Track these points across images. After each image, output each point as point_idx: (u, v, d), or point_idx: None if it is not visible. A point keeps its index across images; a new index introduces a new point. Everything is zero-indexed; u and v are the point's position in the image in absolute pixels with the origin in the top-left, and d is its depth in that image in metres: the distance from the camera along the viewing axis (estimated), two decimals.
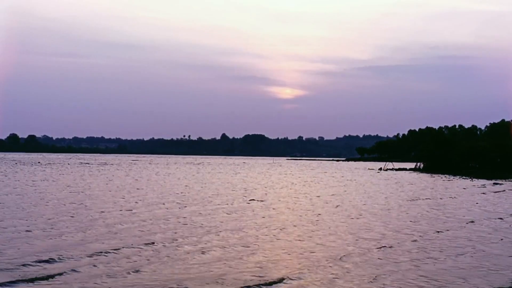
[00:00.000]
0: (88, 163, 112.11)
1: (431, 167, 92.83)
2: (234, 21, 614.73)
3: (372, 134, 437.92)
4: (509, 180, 64.03)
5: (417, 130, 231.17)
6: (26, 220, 20.51)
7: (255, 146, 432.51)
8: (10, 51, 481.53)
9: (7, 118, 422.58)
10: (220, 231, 18.78)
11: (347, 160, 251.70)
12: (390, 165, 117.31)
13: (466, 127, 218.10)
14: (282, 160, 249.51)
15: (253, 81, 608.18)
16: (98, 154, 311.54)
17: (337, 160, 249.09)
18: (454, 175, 76.95)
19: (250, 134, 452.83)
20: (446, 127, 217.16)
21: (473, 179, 64.82)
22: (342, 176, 72.50)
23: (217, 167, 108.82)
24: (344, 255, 14.76)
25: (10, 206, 25.29)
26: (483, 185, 53.06)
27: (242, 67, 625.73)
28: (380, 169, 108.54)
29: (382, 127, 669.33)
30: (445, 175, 76.06)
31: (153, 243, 16.04)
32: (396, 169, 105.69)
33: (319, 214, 25.10)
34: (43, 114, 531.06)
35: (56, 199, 29.56)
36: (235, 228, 19.64)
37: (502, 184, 55.00)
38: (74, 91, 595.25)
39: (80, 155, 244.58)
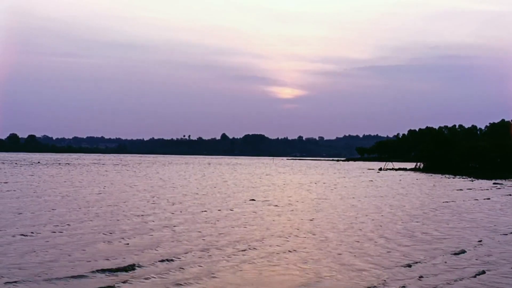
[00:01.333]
0: (103, 163, 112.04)
1: (431, 167, 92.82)
2: (234, 21, 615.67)
3: (372, 134, 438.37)
4: (509, 180, 64.03)
5: (417, 130, 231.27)
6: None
7: (255, 146, 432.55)
8: (10, 51, 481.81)
9: (7, 118, 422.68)
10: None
11: (347, 160, 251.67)
12: (390, 165, 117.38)
13: (466, 127, 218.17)
14: (283, 160, 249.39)
15: (253, 81, 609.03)
16: (98, 154, 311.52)
17: (337, 160, 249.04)
18: (454, 175, 76.92)
19: (250, 134, 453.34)
20: (446, 127, 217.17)
21: (473, 179, 64.81)
22: (344, 177, 72.41)
23: (240, 167, 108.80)
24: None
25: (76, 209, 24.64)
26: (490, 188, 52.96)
27: (242, 67, 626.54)
28: (380, 169, 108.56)
29: (382, 127, 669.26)
30: (445, 175, 76.03)
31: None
32: (396, 169, 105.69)
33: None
34: (43, 114, 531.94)
35: (135, 207, 26.58)
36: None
37: (502, 184, 55.02)
38: (74, 91, 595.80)
39: (90, 155, 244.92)
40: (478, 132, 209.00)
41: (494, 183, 55.66)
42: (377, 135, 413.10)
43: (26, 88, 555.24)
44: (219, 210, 26.01)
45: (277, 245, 16.19)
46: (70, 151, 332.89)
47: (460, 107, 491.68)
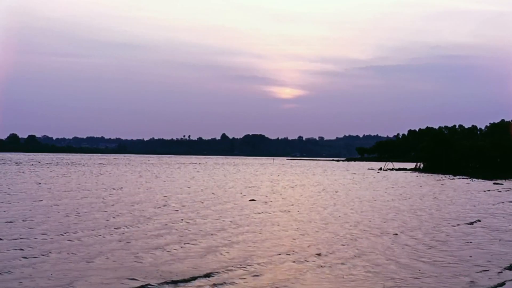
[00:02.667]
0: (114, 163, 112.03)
1: (431, 167, 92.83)
2: (234, 21, 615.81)
3: (372, 134, 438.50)
4: (509, 180, 64.05)
5: (417, 130, 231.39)
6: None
7: (255, 146, 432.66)
8: (10, 51, 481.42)
9: (7, 118, 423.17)
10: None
11: (347, 160, 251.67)
12: (390, 165, 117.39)
13: (466, 127, 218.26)
14: (283, 160, 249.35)
15: (253, 81, 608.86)
16: (98, 154, 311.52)
17: (337, 160, 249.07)
18: (454, 175, 76.94)
19: (250, 134, 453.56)
20: (446, 127, 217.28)
21: (473, 179, 64.83)
22: (348, 177, 72.35)
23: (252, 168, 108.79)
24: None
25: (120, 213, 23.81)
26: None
27: (242, 67, 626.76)
28: (380, 169, 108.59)
29: (382, 127, 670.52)
30: (445, 175, 76.05)
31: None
32: (396, 169, 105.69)
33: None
34: (43, 114, 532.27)
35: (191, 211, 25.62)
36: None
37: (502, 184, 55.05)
38: (74, 91, 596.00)
39: (93, 155, 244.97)
40: (478, 132, 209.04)
41: (494, 183, 55.69)
42: (377, 135, 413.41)
43: (26, 88, 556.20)
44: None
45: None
46: (70, 151, 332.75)
47: (460, 107, 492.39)
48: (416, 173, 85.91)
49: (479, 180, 63.19)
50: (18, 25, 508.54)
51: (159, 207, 26.36)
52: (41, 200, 28.35)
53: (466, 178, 67.26)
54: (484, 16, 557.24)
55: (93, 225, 19.45)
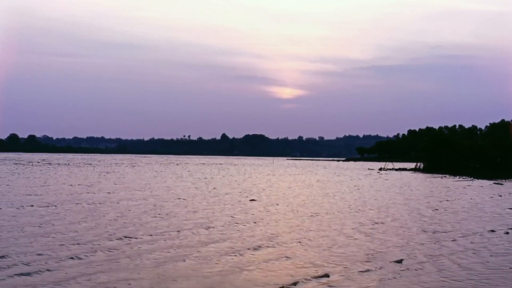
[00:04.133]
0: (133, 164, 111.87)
1: (431, 167, 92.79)
2: (234, 21, 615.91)
3: (372, 134, 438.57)
4: (510, 180, 64.02)
5: (417, 130, 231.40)
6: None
7: (255, 146, 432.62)
8: (10, 51, 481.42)
9: (7, 118, 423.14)
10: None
11: (347, 160, 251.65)
12: (390, 165, 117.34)
13: (466, 127, 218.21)
14: (283, 160, 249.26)
15: (253, 81, 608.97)
16: (99, 154, 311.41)
17: (337, 160, 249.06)
18: (454, 175, 76.91)
19: (250, 134, 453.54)
20: (446, 127, 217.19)
21: (473, 179, 64.80)
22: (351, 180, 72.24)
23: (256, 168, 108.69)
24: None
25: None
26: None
27: (242, 67, 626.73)
28: (381, 169, 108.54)
29: (382, 127, 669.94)
30: (445, 175, 76.03)
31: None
32: (396, 169, 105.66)
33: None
34: (43, 114, 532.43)
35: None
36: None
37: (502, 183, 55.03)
38: (74, 91, 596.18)
39: (98, 155, 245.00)
40: (478, 132, 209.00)
41: (494, 183, 55.66)
42: (377, 135, 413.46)
43: (27, 88, 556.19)
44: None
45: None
46: (70, 151, 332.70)
47: (460, 107, 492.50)
48: (417, 173, 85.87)
49: (479, 180, 63.17)
50: (18, 25, 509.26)
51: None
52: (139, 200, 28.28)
53: (466, 178, 67.24)
54: (484, 16, 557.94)
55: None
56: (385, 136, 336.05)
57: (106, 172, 67.88)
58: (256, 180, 57.31)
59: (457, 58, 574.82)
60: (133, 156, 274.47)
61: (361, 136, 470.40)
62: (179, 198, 31.87)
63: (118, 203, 28.03)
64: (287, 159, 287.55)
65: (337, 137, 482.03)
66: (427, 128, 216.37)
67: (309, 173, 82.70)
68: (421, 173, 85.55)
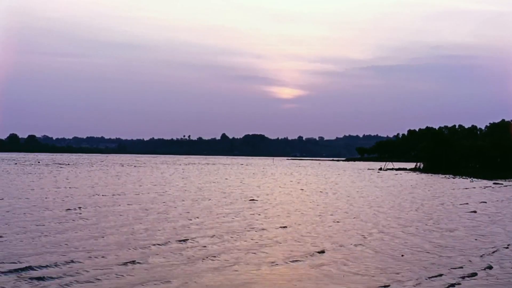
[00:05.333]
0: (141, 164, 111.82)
1: (431, 167, 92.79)
2: (234, 21, 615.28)
3: (372, 134, 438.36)
4: (510, 180, 64.01)
5: (417, 130, 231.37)
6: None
7: (255, 146, 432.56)
8: (10, 51, 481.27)
9: (7, 118, 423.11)
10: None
11: (347, 160, 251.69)
12: (390, 165, 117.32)
13: (466, 127, 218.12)
14: (283, 160, 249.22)
15: (253, 81, 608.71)
16: (99, 154, 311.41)
17: (337, 160, 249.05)
18: (454, 175, 76.91)
19: (250, 134, 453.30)
20: (446, 127, 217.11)
21: (473, 179, 64.79)
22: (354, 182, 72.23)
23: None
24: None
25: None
26: None
27: (242, 67, 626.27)
28: (380, 169, 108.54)
29: (382, 127, 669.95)
30: (446, 175, 76.04)
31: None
32: (396, 169, 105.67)
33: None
34: (43, 114, 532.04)
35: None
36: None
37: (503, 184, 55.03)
38: (74, 91, 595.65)
39: (100, 156, 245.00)
40: (478, 132, 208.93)
41: (494, 183, 55.66)
42: (377, 135, 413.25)
43: (26, 88, 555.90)
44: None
45: None
46: (70, 151, 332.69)
47: (460, 107, 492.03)
48: (417, 173, 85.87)
49: (479, 180, 63.17)
50: (18, 25, 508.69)
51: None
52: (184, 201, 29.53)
53: (466, 179, 67.22)
54: (484, 16, 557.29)
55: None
56: (385, 136, 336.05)
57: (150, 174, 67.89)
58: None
59: (457, 58, 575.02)
60: (134, 156, 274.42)
61: (361, 136, 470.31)
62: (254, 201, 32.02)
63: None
64: (287, 159, 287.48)
65: (337, 137, 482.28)
66: (427, 128, 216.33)
67: (309, 174, 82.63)
68: (421, 173, 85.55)
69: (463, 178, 67.53)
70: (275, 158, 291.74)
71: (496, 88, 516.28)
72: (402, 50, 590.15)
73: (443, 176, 74.60)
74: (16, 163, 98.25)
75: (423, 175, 77.75)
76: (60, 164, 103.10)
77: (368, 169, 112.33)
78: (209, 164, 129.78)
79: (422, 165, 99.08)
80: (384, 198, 35.78)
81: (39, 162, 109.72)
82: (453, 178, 69.13)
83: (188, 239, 16.74)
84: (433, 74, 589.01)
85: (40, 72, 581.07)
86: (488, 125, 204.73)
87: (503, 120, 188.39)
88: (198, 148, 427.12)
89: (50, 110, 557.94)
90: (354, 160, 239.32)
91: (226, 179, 58.40)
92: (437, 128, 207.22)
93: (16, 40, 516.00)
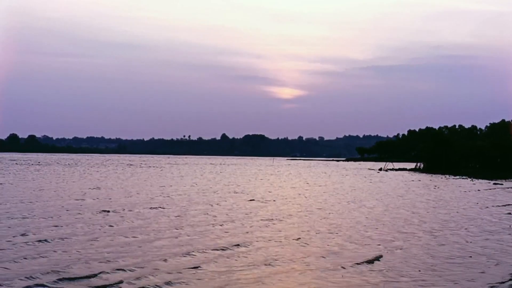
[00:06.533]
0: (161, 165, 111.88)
1: (431, 167, 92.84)
2: (234, 21, 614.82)
3: (372, 134, 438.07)
4: (509, 180, 64.09)
5: (417, 130, 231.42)
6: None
7: (255, 146, 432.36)
8: (10, 51, 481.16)
9: (7, 118, 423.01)
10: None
11: (347, 160, 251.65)
12: (390, 165, 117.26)
13: (466, 127, 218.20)
14: (283, 160, 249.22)
15: (253, 81, 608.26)
16: (99, 154, 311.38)
17: (337, 160, 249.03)
18: (455, 175, 76.98)
19: (250, 134, 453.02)
20: (446, 127, 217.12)
21: (473, 179, 64.87)
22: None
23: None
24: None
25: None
26: None
27: (242, 67, 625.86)
28: (380, 169, 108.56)
29: (382, 127, 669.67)
30: (445, 175, 76.10)
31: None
32: (396, 169, 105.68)
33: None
34: (43, 114, 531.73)
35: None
36: None
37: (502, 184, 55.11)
38: (74, 91, 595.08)
39: (101, 156, 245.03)
40: (478, 132, 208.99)
41: (494, 183, 55.75)
42: (377, 135, 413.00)
43: (26, 88, 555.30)
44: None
45: None
46: (70, 151, 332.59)
47: (460, 107, 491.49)
48: (417, 174, 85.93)
49: (479, 180, 63.24)
50: (18, 25, 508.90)
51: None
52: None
53: (466, 179, 67.30)
54: (484, 16, 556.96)
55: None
56: (385, 136, 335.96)
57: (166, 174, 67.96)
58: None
59: (457, 58, 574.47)
60: (135, 156, 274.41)
61: (361, 136, 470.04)
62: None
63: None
64: (287, 159, 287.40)
65: (337, 137, 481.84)
66: (427, 128, 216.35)
67: (311, 174, 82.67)
68: (421, 173, 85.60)
69: (463, 178, 67.60)
70: (275, 158, 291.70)
71: (496, 88, 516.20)
72: (402, 50, 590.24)
73: (443, 176, 74.67)
74: (39, 163, 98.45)
75: (423, 175, 77.79)
76: (93, 165, 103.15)
77: (369, 169, 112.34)
78: (226, 165, 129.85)
79: (422, 165, 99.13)
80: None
81: (70, 164, 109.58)
82: (454, 178, 69.16)
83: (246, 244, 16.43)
84: (433, 74, 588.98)
85: (40, 72, 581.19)
86: (488, 125, 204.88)
87: (503, 120, 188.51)
88: (198, 148, 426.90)
89: (50, 110, 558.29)
90: (354, 160, 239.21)
91: (249, 180, 58.49)
92: (437, 128, 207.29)
93: (16, 40, 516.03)
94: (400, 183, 56.90)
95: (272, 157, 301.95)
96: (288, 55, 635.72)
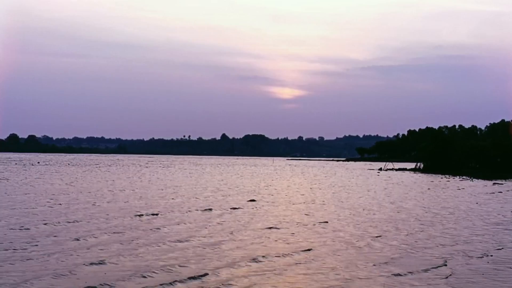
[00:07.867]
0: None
1: (431, 167, 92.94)
2: (234, 21, 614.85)
3: (372, 134, 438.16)
4: (509, 180, 64.16)
5: (417, 130, 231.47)
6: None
7: (255, 146, 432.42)
8: (10, 51, 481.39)
9: (7, 118, 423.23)
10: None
11: (347, 160, 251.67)
12: (390, 165, 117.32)
13: (466, 127, 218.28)
14: (283, 160, 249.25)
15: (253, 81, 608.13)
16: (98, 154, 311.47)
17: (337, 160, 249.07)
18: (454, 175, 77.05)
19: (250, 134, 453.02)
20: (446, 127, 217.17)
21: (473, 180, 64.95)
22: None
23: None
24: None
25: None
26: None
27: (242, 67, 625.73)
28: (380, 169, 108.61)
29: (382, 127, 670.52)
30: (445, 175, 76.16)
31: None
32: (396, 169, 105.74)
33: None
34: (43, 114, 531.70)
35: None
36: None
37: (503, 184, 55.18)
38: (74, 91, 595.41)
39: (102, 156, 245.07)
40: (478, 132, 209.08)
41: (494, 183, 55.82)
42: (377, 135, 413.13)
43: (26, 88, 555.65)
44: None
45: None
46: (70, 151, 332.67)
47: (460, 107, 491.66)
48: (417, 174, 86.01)
49: (479, 180, 63.32)
50: (18, 25, 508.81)
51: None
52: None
53: (466, 179, 67.38)
54: (484, 16, 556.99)
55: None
56: (385, 136, 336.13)
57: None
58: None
59: (457, 58, 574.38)
60: (136, 156, 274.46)
61: (361, 136, 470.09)
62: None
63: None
64: (287, 159, 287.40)
65: (337, 137, 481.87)
66: (427, 128, 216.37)
67: (311, 174, 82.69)
68: (421, 173, 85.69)
69: (463, 178, 67.68)
70: (275, 158, 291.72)
71: (496, 88, 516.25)
72: (402, 50, 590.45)
73: (443, 176, 74.73)
74: (69, 164, 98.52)
75: (423, 175, 77.87)
76: (109, 165, 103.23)
77: (368, 169, 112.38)
78: (236, 165, 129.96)
79: (422, 165, 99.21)
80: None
81: (92, 164, 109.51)
82: (454, 178, 69.23)
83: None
84: (433, 74, 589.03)
85: (40, 72, 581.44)
86: (488, 125, 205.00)
87: (503, 120, 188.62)
88: (198, 148, 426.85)
89: (50, 110, 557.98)
90: (355, 160, 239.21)
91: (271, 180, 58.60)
92: (437, 128, 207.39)
93: (16, 40, 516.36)
94: (412, 184, 56.90)
95: (272, 157, 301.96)
96: (288, 55, 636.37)
